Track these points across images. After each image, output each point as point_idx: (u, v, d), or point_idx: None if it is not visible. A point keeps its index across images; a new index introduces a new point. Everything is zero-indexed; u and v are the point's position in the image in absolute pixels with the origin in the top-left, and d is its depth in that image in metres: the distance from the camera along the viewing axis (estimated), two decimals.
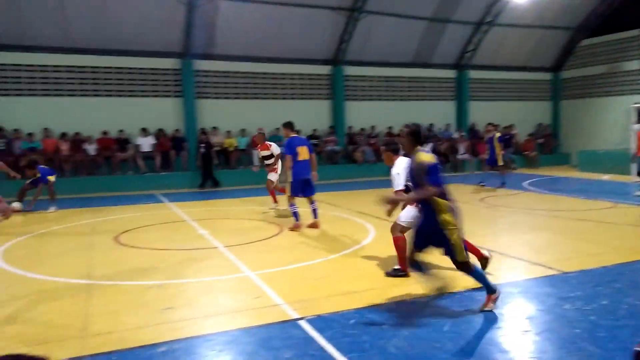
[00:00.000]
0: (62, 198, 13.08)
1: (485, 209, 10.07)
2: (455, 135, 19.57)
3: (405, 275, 5.24)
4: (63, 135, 14.52)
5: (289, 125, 8.28)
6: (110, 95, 15.38)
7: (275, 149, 10.60)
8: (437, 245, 4.16)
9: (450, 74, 20.50)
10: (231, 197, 12.93)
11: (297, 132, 8.72)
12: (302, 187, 8.08)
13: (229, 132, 16.45)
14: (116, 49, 15.09)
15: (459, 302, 4.51)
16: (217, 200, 12.36)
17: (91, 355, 3.52)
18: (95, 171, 14.72)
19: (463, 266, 4.17)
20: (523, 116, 21.44)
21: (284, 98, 17.72)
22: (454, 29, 19.07)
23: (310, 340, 3.72)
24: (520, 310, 4.39)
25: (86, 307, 4.61)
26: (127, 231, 8.34)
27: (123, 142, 15.21)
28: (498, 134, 13.82)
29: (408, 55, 19.29)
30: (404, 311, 4.34)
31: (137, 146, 15.33)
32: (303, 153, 8.03)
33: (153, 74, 15.87)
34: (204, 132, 15.73)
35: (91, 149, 14.66)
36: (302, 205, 8.60)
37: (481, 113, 20.48)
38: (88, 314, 4.40)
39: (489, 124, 14.69)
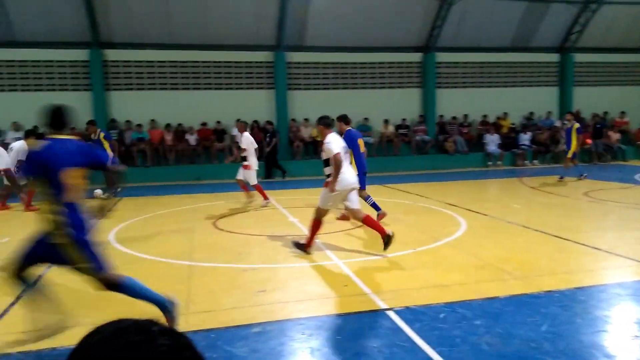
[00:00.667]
0: (166, 185, 14.12)
1: (590, 204, 9.32)
2: (557, 124, 18.26)
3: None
4: (167, 126, 15.62)
5: (343, 119, 7.92)
6: (209, 88, 16.27)
7: (245, 141, 9.86)
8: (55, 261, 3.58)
9: (553, 57, 19.10)
10: (319, 187, 13.13)
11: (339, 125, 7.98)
12: (361, 180, 7.64)
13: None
14: (214, 44, 15.89)
15: (559, 301, 4.25)
16: (305, 190, 12.64)
17: (192, 332, 3.79)
18: (195, 160, 15.68)
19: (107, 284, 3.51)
20: (637, 103, 19.45)
21: (373, 87, 17.62)
22: (557, 9, 17.71)
23: (398, 330, 3.71)
24: (629, 313, 4.04)
25: (188, 286, 4.97)
26: (224, 217, 8.83)
27: (220, 133, 16.04)
28: (577, 125, 12.77)
29: (505, 39, 18.26)
30: (497, 308, 4.17)
31: (232, 136, 16.09)
32: (362, 145, 7.84)
33: (248, 67, 16.52)
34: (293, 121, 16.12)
35: (192, 139, 15.63)
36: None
37: (588, 99, 18.90)
38: (190, 293, 4.74)
39: (569, 112, 13.61)
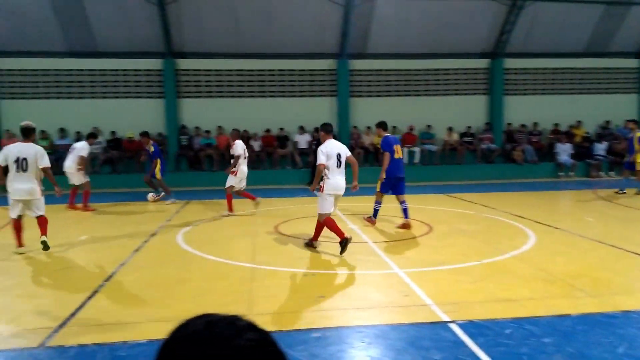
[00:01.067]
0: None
1: None
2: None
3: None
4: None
5: (382, 125, 8.45)
6: (273, 96, 16.66)
7: (237, 148, 9.95)
8: None
9: (633, 63, 17.91)
10: None
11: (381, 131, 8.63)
12: (394, 185, 8.24)
13: None
14: (279, 53, 16.26)
15: (637, 322, 3.96)
16: (365, 197, 12.59)
17: None
18: (259, 165, 16.08)
19: None
20: None
21: (437, 94, 17.31)
22: (638, 12, 16.62)
23: (461, 344, 3.61)
24: None
25: (250, 288, 5.10)
26: (286, 221, 8.98)
27: (283, 139, 16.36)
28: (639, 134, 11.80)
29: (579, 44, 17.34)
30: (568, 326, 3.95)
31: (294, 143, 16.37)
32: (398, 151, 8.21)
33: (310, 75, 16.76)
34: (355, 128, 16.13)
35: (256, 145, 16.04)
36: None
37: None
38: (252, 295, 4.86)
39: (630, 120, 12.61)
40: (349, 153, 6.85)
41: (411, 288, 4.98)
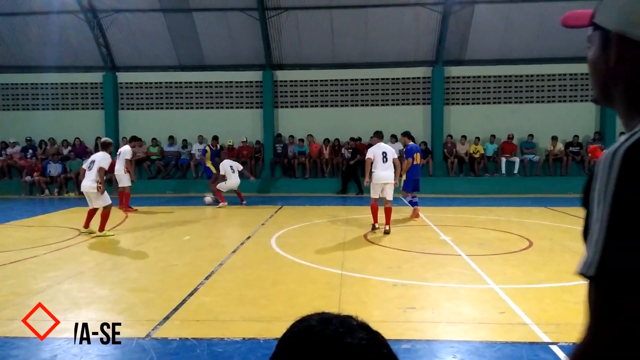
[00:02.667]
0: (320, 196, 14.81)
1: None
2: None
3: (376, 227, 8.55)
4: (325, 141, 16.42)
5: (407, 134, 10.48)
6: (366, 105, 16.73)
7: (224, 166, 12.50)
8: None
9: None
10: (474, 205, 12.56)
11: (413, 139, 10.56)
12: (414, 184, 10.20)
13: (477, 138, 15.97)
14: (373, 62, 16.32)
15: None
16: (460, 208, 12.16)
17: None
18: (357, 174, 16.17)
19: None
20: None
21: (540, 101, 16.31)
22: None
23: None
24: None
25: (339, 294, 5.14)
26: (375, 230, 8.93)
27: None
28: None
29: None
30: None
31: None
32: (417, 158, 10.19)
33: (404, 83, 16.60)
34: (450, 137, 15.68)
35: (347, 153, 16.19)
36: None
37: None
38: (341, 301, 4.89)
39: None
40: (395, 155, 8.77)
41: (508, 305, 4.72)
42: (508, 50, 15.85)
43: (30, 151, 16.18)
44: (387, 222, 8.55)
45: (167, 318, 4.48)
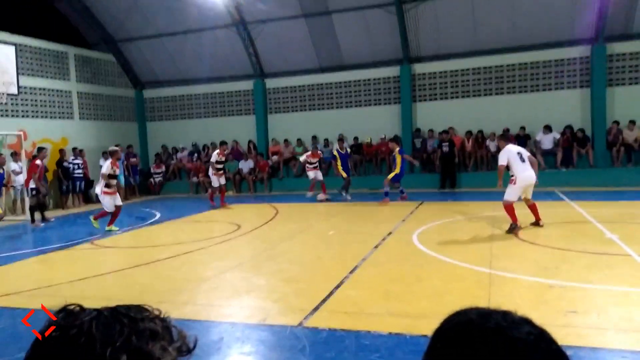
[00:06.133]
0: (465, 191, 14.24)
1: None
2: None
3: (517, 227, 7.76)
4: (468, 133, 15.72)
5: (395, 140, 12.87)
6: (512, 92, 15.62)
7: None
8: None
9: None
10: None
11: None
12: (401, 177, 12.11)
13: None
14: (520, 45, 15.14)
15: None
16: (629, 202, 10.72)
17: None
18: (494, 167, 15.27)
19: None
20: None
21: None
22: None
23: None
24: None
25: (488, 294, 4.91)
26: (526, 227, 8.32)
27: (523, 139, 15.17)
28: None
29: None
30: None
31: (536, 142, 15.02)
32: (405, 157, 12.43)
33: (557, 66, 15.13)
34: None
35: (492, 145, 15.30)
36: None
37: None
38: (492, 301, 4.67)
39: None
40: (528, 153, 8.36)
41: None
42: None
43: (196, 155, 18.23)
44: (539, 217, 8.32)
45: (316, 308, 4.73)
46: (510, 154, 8.08)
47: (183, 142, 18.82)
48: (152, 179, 18.18)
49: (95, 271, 6.75)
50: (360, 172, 16.54)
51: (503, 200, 8.07)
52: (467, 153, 15.50)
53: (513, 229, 7.85)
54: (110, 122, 18.20)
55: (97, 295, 5.52)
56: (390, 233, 8.39)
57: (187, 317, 4.67)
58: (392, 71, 16.66)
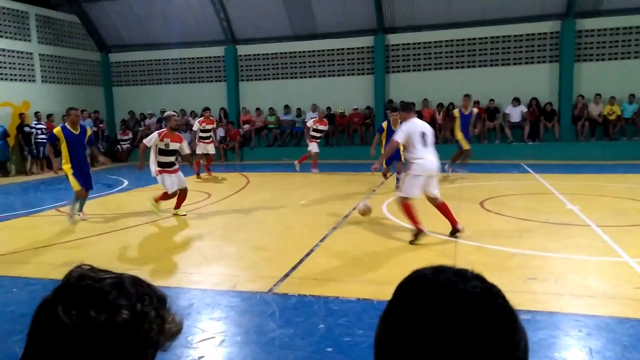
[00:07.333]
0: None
1: None
2: None
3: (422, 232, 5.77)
4: (439, 106, 15.84)
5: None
6: (484, 66, 15.76)
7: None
8: None
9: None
10: (609, 172, 11.40)
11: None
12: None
13: (613, 98, 14.31)
14: (493, 19, 15.21)
15: None
16: (590, 175, 11.12)
17: None
18: None
19: None
20: None
21: None
22: None
23: None
24: None
25: (454, 261, 5.04)
26: (492, 197, 8.56)
27: (493, 112, 15.43)
28: None
29: None
30: None
31: (505, 115, 15.29)
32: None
33: (528, 40, 15.29)
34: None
35: None
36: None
37: None
38: None
39: None
40: (432, 138, 6.11)
41: None
42: None
43: (164, 122, 17.82)
44: (455, 220, 6.06)
45: (286, 275, 4.79)
46: (411, 130, 5.88)
47: (151, 108, 18.34)
48: (119, 146, 17.75)
49: (60, 238, 6.62)
50: (332, 143, 16.55)
51: (399, 195, 6.08)
52: (438, 126, 15.66)
53: (417, 236, 5.77)
54: (74, 86, 17.55)
55: (63, 261, 5.42)
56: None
57: (156, 284, 4.65)
58: (366, 41, 16.52)
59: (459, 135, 11.43)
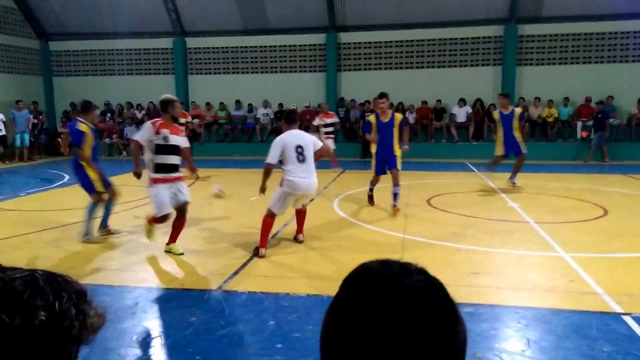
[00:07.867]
0: None
1: None
2: None
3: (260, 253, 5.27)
4: (390, 106, 16.10)
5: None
6: (432, 67, 16.18)
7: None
8: None
9: None
10: (547, 172, 12.02)
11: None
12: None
13: (551, 101, 15.10)
14: (441, 21, 15.64)
15: None
16: (530, 174, 11.67)
17: None
18: (413, 138, 15.89)
19: None
20: None
21: (624, 60, 15.06)
22: None
23: (636, 339, 3.24)
24: None
25: (401, 257, 5.16)
26: (438, 195, 8.82)
27: (440, 112, 15.88)
28: None
29: None
30: None
31: (451, 115, 15.79)
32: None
33: (474, 43, 15.85)
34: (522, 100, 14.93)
35: (411, 117, 15.86)
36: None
37: None
38: None
39: None
40: (311, 153, 5.52)
41: (578, 274, 4.56)
42: (588, 5, 14.64)
43: (109, 114, 17.14)
44: (301, 229, 5.91)
45: (236, 273, 4.74)
46: (286, 144, 5.39)
47: (96, 100, 17.56)
48: (59, 139, 16.90)
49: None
50: None
51: (267, 208, 5.57)
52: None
53: (256, 254, 5.28)
54: (11, 75, 16.55)
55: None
56: (311, 200, 8.50)
57: (99, 283, 4.49)
58: (318, 38, 16.57)
59: (499, 139, 9.93)
